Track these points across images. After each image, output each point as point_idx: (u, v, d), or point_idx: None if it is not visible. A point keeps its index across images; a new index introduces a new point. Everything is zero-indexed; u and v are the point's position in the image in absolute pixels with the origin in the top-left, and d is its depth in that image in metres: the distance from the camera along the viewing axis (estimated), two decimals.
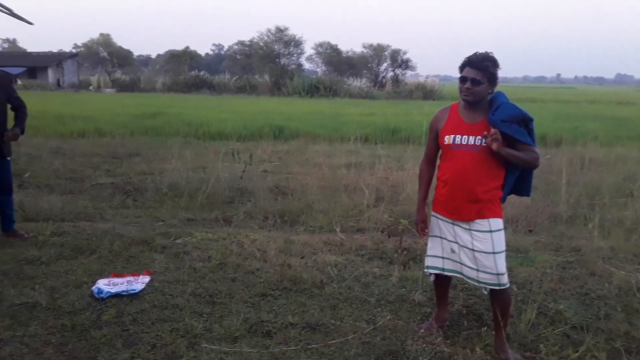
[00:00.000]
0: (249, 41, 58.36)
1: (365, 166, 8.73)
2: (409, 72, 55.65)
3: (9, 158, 4.76)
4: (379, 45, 56.45)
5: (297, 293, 3.87)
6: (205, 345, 3.05)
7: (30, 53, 54.24)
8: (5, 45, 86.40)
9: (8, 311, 3.40)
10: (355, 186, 7.20)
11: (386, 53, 55.85)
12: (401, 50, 55.07)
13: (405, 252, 4.70)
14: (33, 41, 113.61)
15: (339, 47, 59.87)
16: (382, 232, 5.37)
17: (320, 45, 60.03)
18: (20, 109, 4.74)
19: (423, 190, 3.27)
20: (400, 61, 54.66)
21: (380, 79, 55.36)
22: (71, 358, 2.82)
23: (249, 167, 7.61)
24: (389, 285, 4.07)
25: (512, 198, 6.04)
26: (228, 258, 4.53)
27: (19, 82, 41.80)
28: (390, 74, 55.43)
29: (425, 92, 42.82)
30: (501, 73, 2.94)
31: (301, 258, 4.60)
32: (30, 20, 12.03)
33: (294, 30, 73.47)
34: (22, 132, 4.65)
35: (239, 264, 4.42)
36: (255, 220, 5.94)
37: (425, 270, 3.28)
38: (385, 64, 56.41)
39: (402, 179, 7.45)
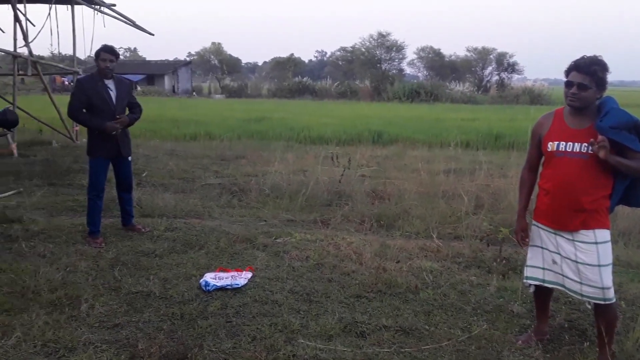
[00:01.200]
0: (351, 47, 58.85)
1: (465, 172, 8.56)
2: (515, 76, 53.46)
3: (129, 158, 5.22)
4: (483, 48, 54.71)
5: (391, 296, 3.91)
6: (302, 341, 3.18)
7: (149, 61, 58.41)
8: (127, 54, 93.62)
9: (126, 298, 3.74)
10: (454, 192, 7.09)
11: (491, 56, 53.99)
12: (507, 53, 53.00)
13: (504, 261, 4.58)
14: (151, 50, 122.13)
15: (441, 51, 58.73)
16: (481, 240, 5.27)
17: (423, 49, 59.26)
18: (135, 108, 5.17)
19: (524, 198, 3.19)
20: (506, 64, 52.58)
21: (484, 83, 53.63)
22: (180, 344, 3.05)
23: (347, 171, 7.74)
24: (487, 295, 3.99)
25: (625, 209, 5.68)
26: (325, 259, 4.67)
27: (138, 88, 45.10)
28: (495, 78, 53.51)
29: (533, 97, 40.92)
30: (616, 76, 2.80)
31: (396, 262, 4.63)
32: (150, 31, 13.01)
33: (396, 36, 73.16)
34: (131, 123, 5.08)
35: (336, 265, 4.53)
36: (352, 224, 6.05)
37: (525, 281, 3.20)
38: (490, 68, 54.56)
39: (504, 186, 7.23)
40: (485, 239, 5.15)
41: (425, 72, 59.89)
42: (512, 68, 52.78)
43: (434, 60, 58.15)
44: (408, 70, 59.94)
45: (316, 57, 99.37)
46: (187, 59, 65.10)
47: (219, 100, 43.22)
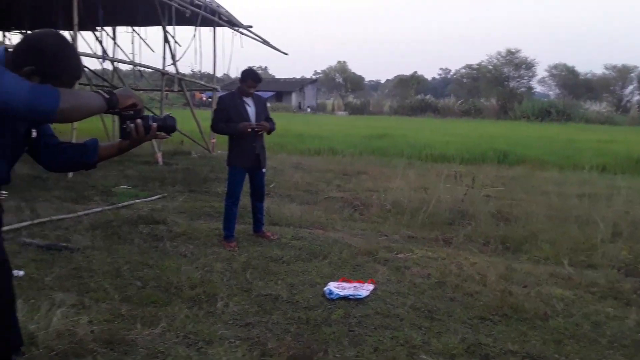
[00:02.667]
0: (477, 65, 57.37)
1: (601, 198, 8.00)
2: None
3: (264, 170, 5.57)
4: (623, 66, 50.64)
5: (517, 321, 3.79)
6: (424, 357, 3.19)
7: (278, 79, 61.23)
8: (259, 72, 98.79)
9: (256, 299, 3.99)
10: (587, 218, 6.67)
11: (632, 75, 49.78)
12: None
13: None
14: (280, 69, 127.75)
15: (575, 68, 55.29)
16: (619, 270, 4.92)
17: (555, 67, 56.28)
18: (270, 122, 5.52)
19: None
20: None
21: (624, 103, 49.52)
22: (306, 347, 3.21)
23: (470, 190, 7.59)
24: (625, 328, 3.72)
25: None
26: (447, 277, 4.62)
27: (268, 104, 47.47)
28: (637, 97, 49.21)
29: None
30: None
31: (523, 287, 4.46)
32: (284, 51, 13.72)
33: (526, 52, 69.98)
34: (272, 129, 5.41)
35: (458, 284, 4.47)
36: (475, 244, 5.92)
37: None
38: (630, 87, 50.32)
39: None
40: (623, 269, 4.81)
41: (557, 90, 56.69)
42: None
43: (567, 78, 54.92)
44: (538, 88, 57.17)
45: (440, 74, 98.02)
46: (314, 77, 67.40)
47: (342, 117, 44.11)
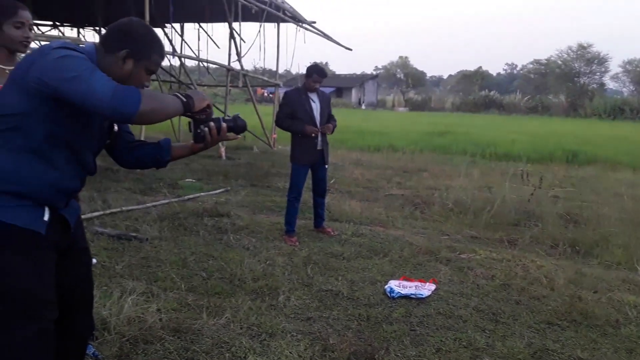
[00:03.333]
0: (546, 60, 55.34)
1: None
2: None
3: (326, 166, 5.59)
4: None
5: (587, 328, 3.64)
6: None
7: (339, 75, 61.27)
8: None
9: (317, 294, 4.01)
10: None
11: None
12: None
13: None
14: (341, 64, 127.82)
15: None
16: None
17: (630, 62, 53.46)
18: (331, 119, 5.53)
19: None
20: None
21: None
22: (367, 345, 3.20)
23: (537, 190, 7.34)
24: None
25: None
26: (512, 280, 4.50)
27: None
28: None
29: None
30: None
31: (594, 292, 4.28)
32: (349, 47, 13.75)
33: (599, 47, 66.74)
34: (333, 129, 5.47)
35: (524, 287, 4.34)
36: (541, 246, 5.73)
37: None
38: None
39: None
40: None
41: (631, 87, 53.87)
42: None
43: None
44: (610, 84, 54.54)
45: (505, 70, 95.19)
46: (374, 72, 67.04)
47: (402, 113, 43.66)
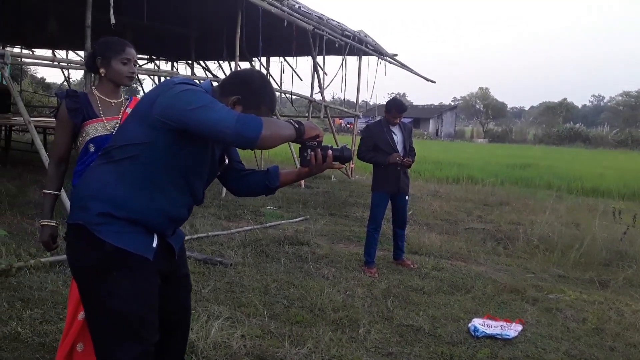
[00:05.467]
0: (636, 92, 52.45)
1: None
2: None
3: (407, 197, 5.57)
4: None
5: None
6: None
7: (417, 105, 60.94)
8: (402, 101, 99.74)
9: (397, 329, 3.96)
10: None
11: None
12: None
13: None
14: (419, 94, 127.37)
15: None
16: None
17: None
18: (411, 151, 5.53)
19: None
20: None
21: None
22: None
23: (631, 229, 6.92)
24: None
25: None
26: (605, 324, 4.24)
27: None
28: None
29: None
30: None
31: None
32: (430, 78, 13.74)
33: None
34: (411, 164, 5.45)
35: (619, 333, 4.08)
36: (636, 289, 5.37)
37: None
38: None
39: None
40: None
41: None
42: None
43: None
44: None
45: (591, 102, 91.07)
46: (452, 103, 66.19)
47: (482, 145, 42.66)
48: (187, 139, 1.87)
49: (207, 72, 16.65)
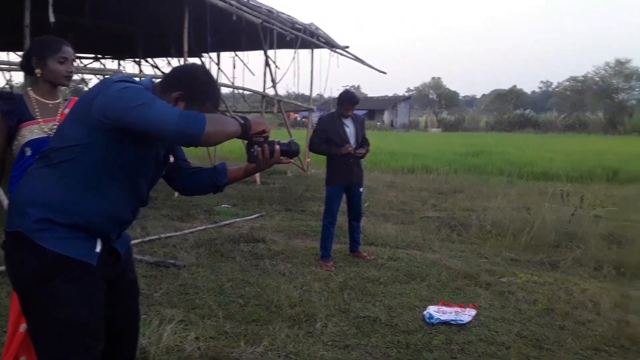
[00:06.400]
0: (582, 77, 54.34)
1: None
2: None
3: (361, 189, 5.58)
4: None
5: (636, 354, 3.49)
6: None
7: (371, 97, 61.40)
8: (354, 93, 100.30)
9: (354, 321, 3.96)
10: None
11: None
12: None
13: None
14: (373, 87, 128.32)
15: None
16: None
17: None
18: (365, 143, 5.55)
19: None
20: None
21: None
22: None
23: (578, 210, 7.15)
24: None
25: None
26: (555, 304, 4.36)
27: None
28: None
29: None
30: None
31: None
32: (383, 70, 13.83)
33: (638, 62, 65.11)
34: (366, 154, 5.48)
35: (568, 312, 4.20)
36: (585, 269, 5.55)
37: None
38: None
39: None
40: None
41: None
42: None
43: None
44: None
45: (540, 88, 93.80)
46: (406, 94, 66.95)
47: (436, 134, 43.38)
48: (128, 138, 1.81)
49: (155, 70, 16.28)
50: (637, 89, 49.77)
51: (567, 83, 60.12)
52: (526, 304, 4.38)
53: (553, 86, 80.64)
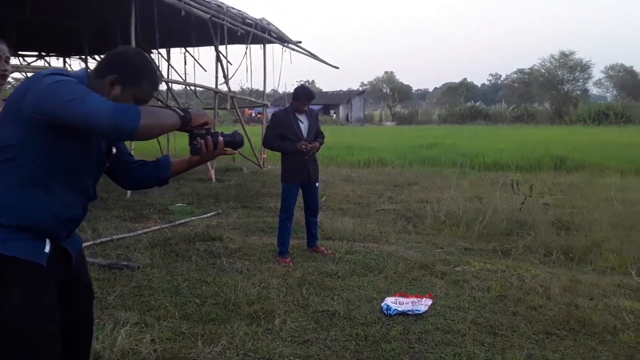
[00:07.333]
0: (529, 69, 55.98)
1: None
2: None
3: (317, 184, 5.58)
4: None
5: (585, 336, 3.62)
6: None
7: (326, 92, 61.51)
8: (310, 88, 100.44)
9: (313, 316, 3.97)
10: None
11: None
12: None
13: None
14: (328, 81, 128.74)
15: (634, 68, 53.05)
16: None
17: (612, 68, 54.15)
18: (319, 136, 5.55)
19: None
20: None
21: None
22: None
23: (528, 198, 7.37)
24: None
25: None
26: (508, 291, 4.48)
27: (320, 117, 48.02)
28: None
29: None
30: None
31: (590, 299, 4.27)
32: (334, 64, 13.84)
33: (581, 54, 67.81)
34: (319, 147, 5.47)
35: (520, 298, 4.33)
36: (535, 255, 5.73)
37: None
38: None
39: None
40: None
41: (614, 92, 54.59)
42: None
43: (625, 79, 52.76)
44: (594, 90, 55.28)
45: (490, 80, 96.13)
46: (361, 88, 67.45)
47: (390, 127, 43.88)
48: (65, 132, 1.75)
49: None
50: (581, 80, 51.71)
51: (515, 75, 61.86)
52: (480, 292, 4.48)
53: (502, 79, 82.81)
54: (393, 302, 4.08)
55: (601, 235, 6.15)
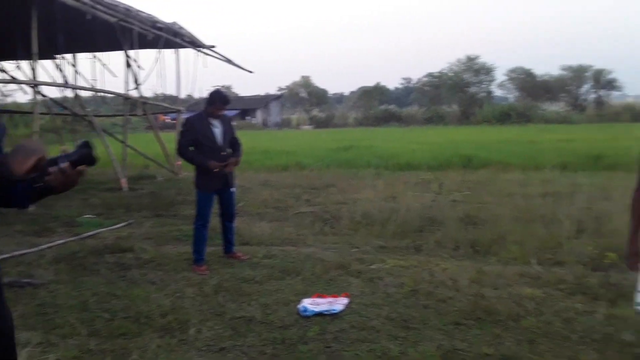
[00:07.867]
0: (438, 72, 58.32)
1: (564, 196, 8.18)
2: (614, 93, 50.57)
3: (233, 190, 5.51)
4: (580, 66, 52.23)
5: (491, 324, 3.82)
6: None
7: (243, 97, 60.91)
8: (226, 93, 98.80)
9: (230, 323, 3.92)
10: (552, 217, 6.80)
11: (588, 74, 51.40)
12: (605, 70, 50.31)
13: (612, 287, 4.33)
14: (245, 86, 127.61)
15: (533, 71, 56.69)
16: (585, 265, 5.03)
17: (513, 70, 57.54)
18: (236, 144, 5.46)
19: (636, 222, 3.03)
20: (604, 82, 49.86)
21: (580, 102, 51.08)
22: None
23: (438, 196, 7.67)
24: (594, 323, 3.79)
25: None
26: (420, 285, 4.64)
27: (234, 122, 47.36)
28: (593, 96, 50.82)
29: (635, 114, 38.44)
30: None
31: (494, 289, 4.51)
32: (249, 69, 13.74)
33: (485, 58, 71.74)
34: (238, 163, 5.39)
35: (431, 291, 4.49)
36: (445, 250, 5.97)
37: (637, 307, 3.02)
38: (586, 86, 51.94)
39: (607, 209, 6.84)
40: (589, 264, 4.90)
41: (516, 93, 58.06)
42: (610, 85, 50.01)
43: (525, 81, 56.22)
44: (498, 92, 58.44)
45: (402, 84, 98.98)
46: (278, 93, 67.38)
47: (308, 131, 44.19)
48: None
49: (3, 74, 14.82)
50: (486, 83, 54.55)
51: (425, 79, 64.12)
52: (394, 288, 4.60)
53: (413, 82, 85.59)
54: (310, 304, 4.11)
55: (505, 228, 6.50)
